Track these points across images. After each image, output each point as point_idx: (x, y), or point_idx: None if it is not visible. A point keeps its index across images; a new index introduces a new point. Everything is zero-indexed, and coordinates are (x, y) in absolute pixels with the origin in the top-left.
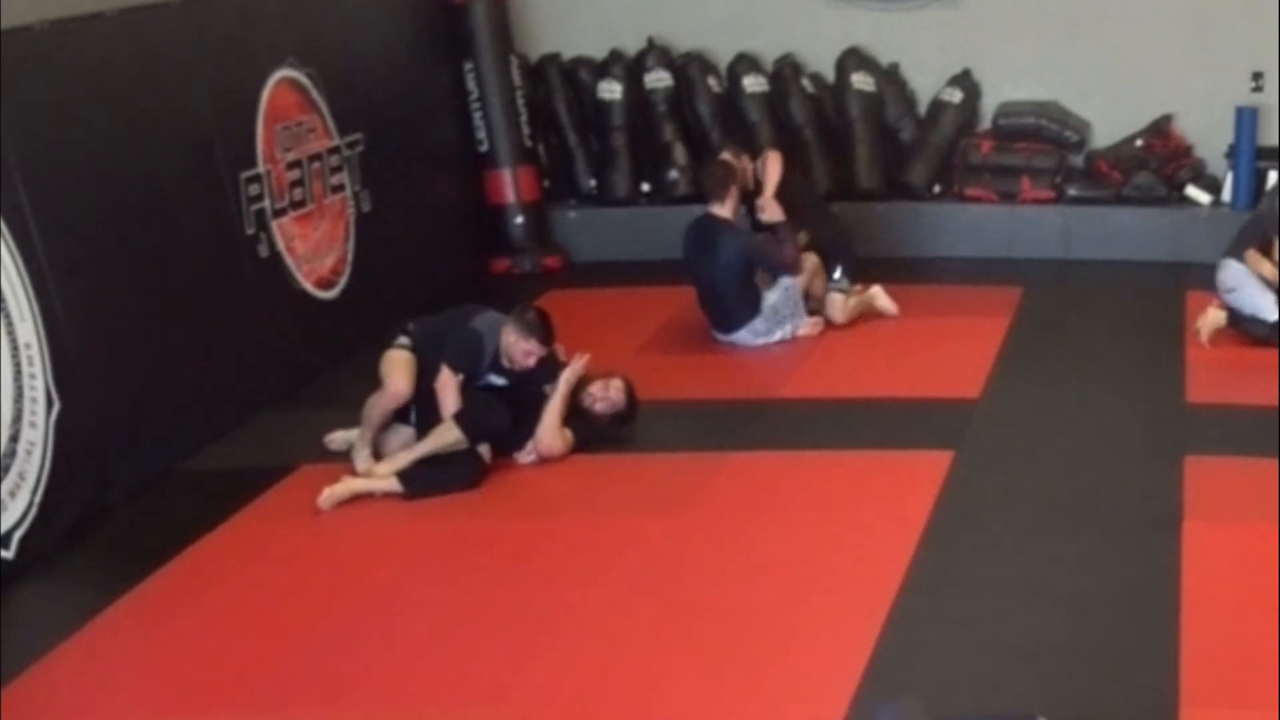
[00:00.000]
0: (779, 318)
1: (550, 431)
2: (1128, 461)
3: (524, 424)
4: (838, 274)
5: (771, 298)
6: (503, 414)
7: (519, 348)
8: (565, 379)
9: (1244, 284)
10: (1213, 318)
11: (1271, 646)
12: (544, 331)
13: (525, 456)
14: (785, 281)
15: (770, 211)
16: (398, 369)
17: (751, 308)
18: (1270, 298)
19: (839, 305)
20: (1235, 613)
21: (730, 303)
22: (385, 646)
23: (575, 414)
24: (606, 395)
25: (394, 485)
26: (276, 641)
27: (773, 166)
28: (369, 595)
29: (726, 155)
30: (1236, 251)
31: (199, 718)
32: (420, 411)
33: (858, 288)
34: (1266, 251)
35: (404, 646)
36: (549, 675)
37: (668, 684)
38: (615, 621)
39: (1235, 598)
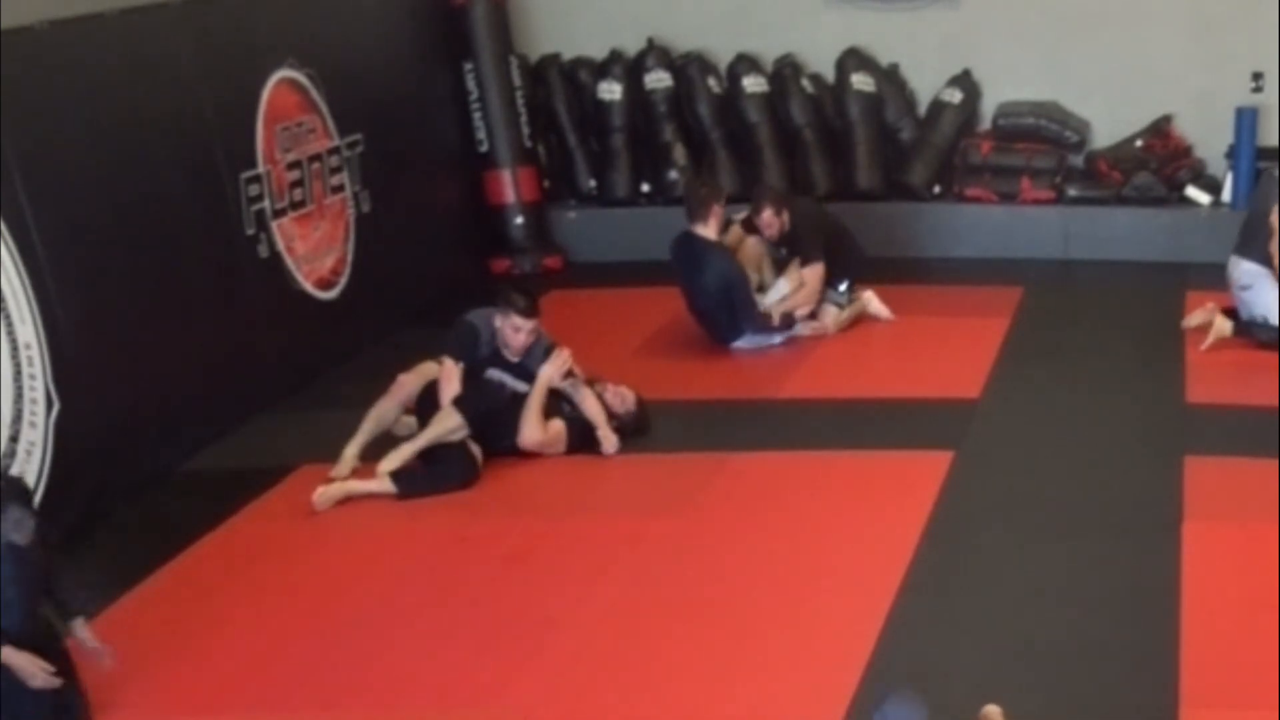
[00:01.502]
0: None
1: (530, 424)
2: (1128, 461)
3: (518, 417)
4: (842, 287)
5: (763, 305)
6: (498, 397)
7: (506, 328)
8: (544, 374)
9: (1258, 282)
10: (1218, 327)
11: (1271, 646)
12: (522, 303)
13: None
14: (772, 295)
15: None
16: (421, 366)
17: (750, 321)
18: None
19: (833, 316)
20: (1235, 613)
21: (721, 319)
22: (385, 646)
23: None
24: (619, 392)
25: (387, 486)
26: (276, 641)
27: (814, 279)
28: (369, 595)
29: (767, 210)
30: (1246, 248)
31: (199, 717)
32: (422, 413)
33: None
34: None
35: (404, 646)
36: (549, 675)
37: (667, 684)
38: (615, 621)
39: (1235, 598)
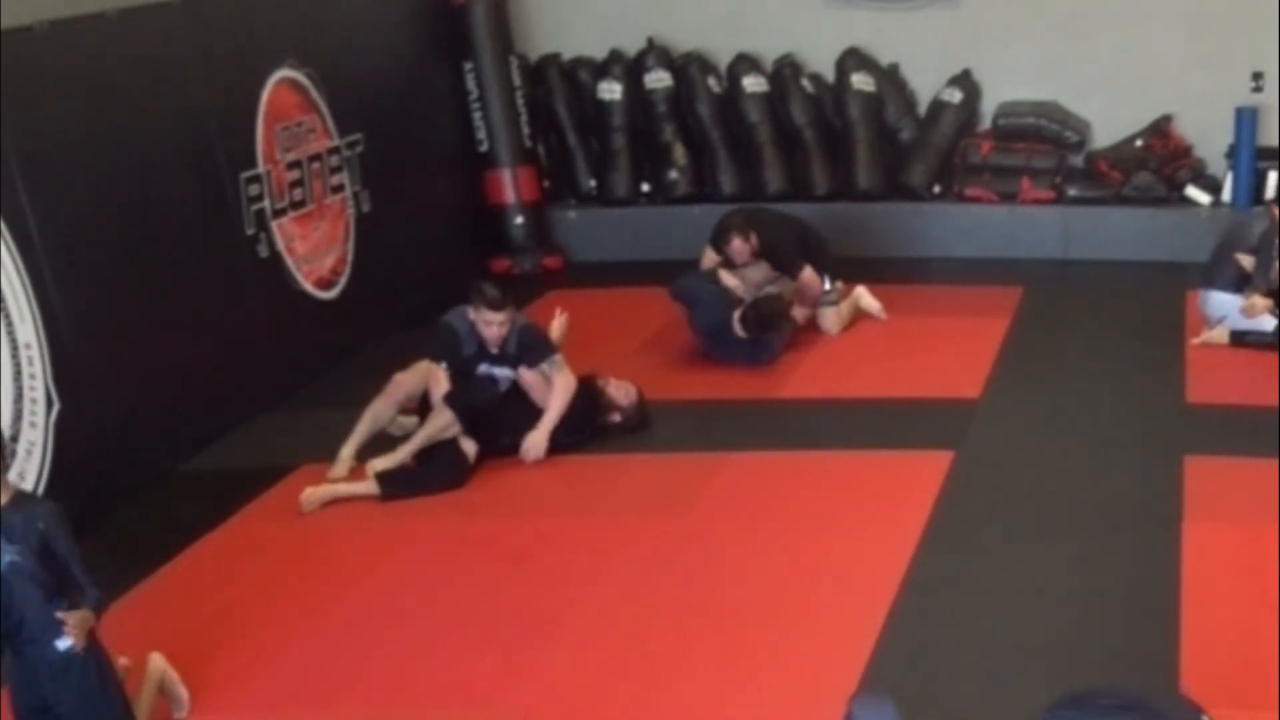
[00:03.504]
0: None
1: (539, 440)
2: (1128, 461)
3: (514, 411)
4: (828, 285)
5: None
6: (489, 392)
7: (479, 321)
8: (552, 413)
9: (1232, 311)
10: (1216, 335)
11: (1271, 646)
12: (490, 296)
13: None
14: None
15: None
16: (416, 366)
17: (754, 350)
18: (1264, 315)
19: (831, 318)
20: (1235, 613)
21: (731, 352)
22: (385, 646)
23: (582, 397)
24: (622, 386)
25: (373, 488)
26: (276, 641)
27: (808, 279)
28: (369, 595)
29: (735, 239)
30: (1213, 281)
31: (198, 717)
32: (424, 417)
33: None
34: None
35: (404, 646)
36: (549, 675)
37: (667, 684)
38: (615, 621)
39: (1235, 598)
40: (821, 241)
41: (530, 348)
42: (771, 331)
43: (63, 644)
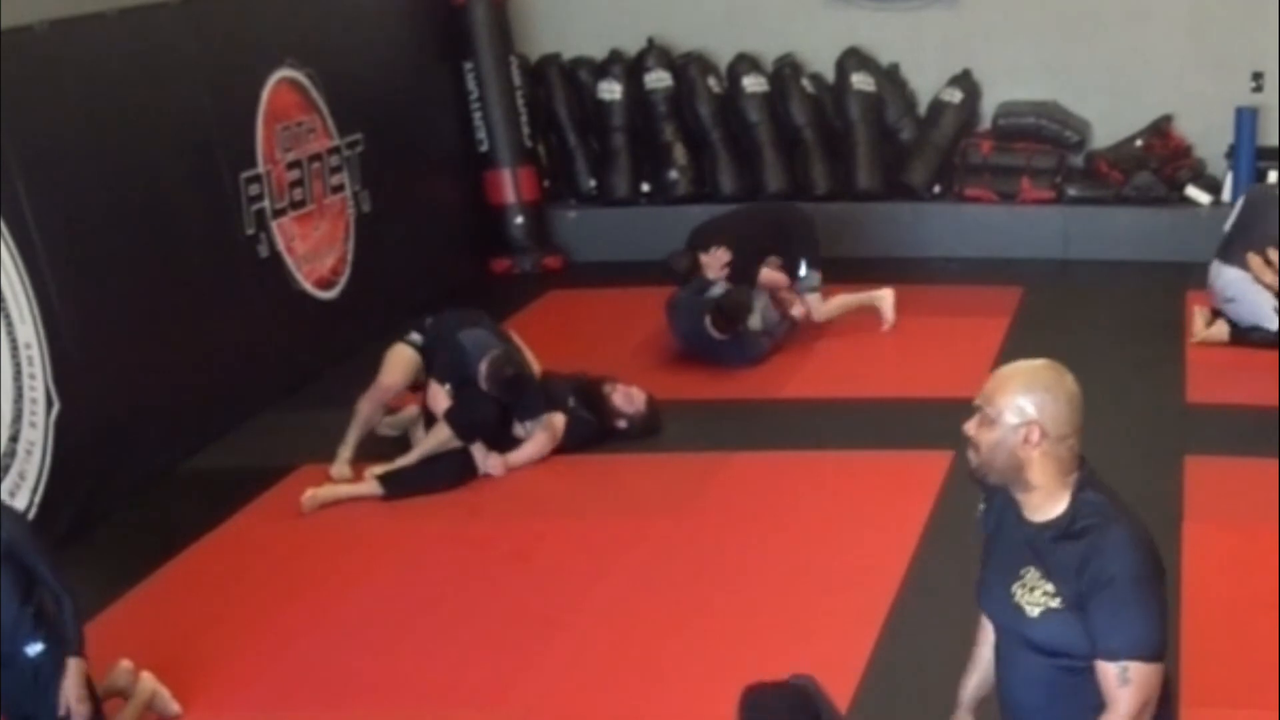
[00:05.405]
0: (768, 325)
1: (502, 464)
2: (1128, 461)
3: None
4: (803, 271)
5: (755, 322)
6: (491, 407)
7: (481, 368)
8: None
9: (1244, 293)
10: (1216, 333)
11: (1271, 646)
12: (499, 387)
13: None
14: (758, 305)
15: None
16: (395, 363)
17: (740, 349)
18: (1271, 306)
19: (814, 303)
20: (1235, 613)
21: (719, 355)
22: (385, 646)
23: (589, 404)
24: (628, 393)
25: (375, 488)
26: (276, 642)
27: (769, 281)
28: (369, 595)
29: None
30: (1230, 254)
31: (198, 717)
32: (428, 418)
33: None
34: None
35: (404, 646)
36: (549, 675)
37: (667, 684)
38: (615, 621)
39: (1235, 598)
40: (804, 228)
41: (527, 405)
42: (741, 324)
43: (33, 649)
